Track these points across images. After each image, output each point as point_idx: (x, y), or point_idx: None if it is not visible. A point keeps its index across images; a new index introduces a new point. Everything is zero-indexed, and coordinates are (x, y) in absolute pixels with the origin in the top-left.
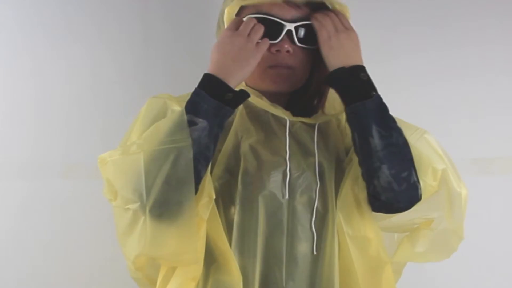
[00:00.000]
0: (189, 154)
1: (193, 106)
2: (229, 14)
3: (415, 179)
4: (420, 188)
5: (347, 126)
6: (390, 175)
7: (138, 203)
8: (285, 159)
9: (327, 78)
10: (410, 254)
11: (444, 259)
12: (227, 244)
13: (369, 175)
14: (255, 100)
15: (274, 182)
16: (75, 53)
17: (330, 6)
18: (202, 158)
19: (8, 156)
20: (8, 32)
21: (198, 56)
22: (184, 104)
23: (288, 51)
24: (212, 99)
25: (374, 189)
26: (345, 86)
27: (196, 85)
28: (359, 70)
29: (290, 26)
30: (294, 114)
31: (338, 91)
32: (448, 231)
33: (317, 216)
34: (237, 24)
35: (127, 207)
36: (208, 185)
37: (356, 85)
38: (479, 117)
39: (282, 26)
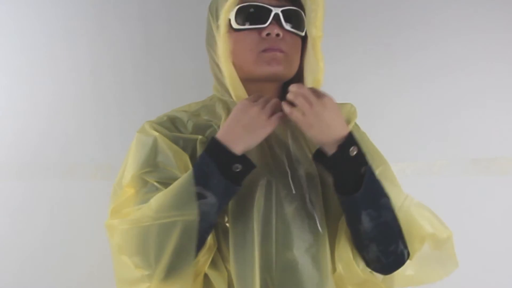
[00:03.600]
0: (195, 227)
1: (203, 178)
2: (226, 14)
3: (402, 247)
4: (408, 253)
5: None
6: (378, 251)
7: (147, 272)
8: (272, 169)
9: (314, 156)
10: (402, 278)
11: (436, 281)
12: None
13: (359, 248)
14: None
15: (263, 193)
16: (75, 54)
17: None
18: (209, 229)
19: (8, 156)
20: (7, 32)
21: (198, 57)
22: (173, 130)
23: (278, 35)
24: (222, 178)
25: (363, 258)
26: (333, 170)
27: (195, 86)
28: (347, 145)
29: (277, 10)
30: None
31: (327, 170)
32: (431, 257)
33: (306, 223)
34: (257, 97)
35: (136, 270)
36: (210, 237)
37: (344, 169)
38: (479, 117)
39: (269, 11)
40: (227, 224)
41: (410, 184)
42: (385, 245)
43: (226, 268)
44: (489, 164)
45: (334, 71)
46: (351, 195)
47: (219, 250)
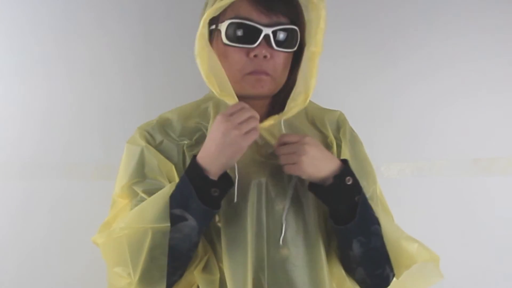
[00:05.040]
0: (166, 236)
1: (183, 201)
2: (205, 21)
3: (388, 271)
4: (392, 276)
5: (339, 152)
6: (365, 274)
7: (128, 281)
8: (263, 168)
9: (310, 188)
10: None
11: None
12: None
13: (346, 270)
14: (229, 102)
15: (255, 192)
16: (75, 53)
17: (304, 4)
18: (194, 247)
19: (8, 156)
20: (7, 31)
21: None
22: (161, 135)
23: (265, 56)
24: (200, 203)
25: (350, 279)
26: (329, 200)
27: (195, 86)
28: (342, 175)
29: (268, 31)
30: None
31: (322, 201)
32: (416, 270)
33: (298, 221)
34: (235, 109)
35: (121, 279)
36: (200, 246)
37: (340, 198)
38: (479, 117)
39: (259, 31)
40: (219, 224)
41: (410, 184)
42: (372, 269)
43: (219, 268)
44: (489, 164)
45: (334, 72)
46: (345, 224)
47: (213, 250)
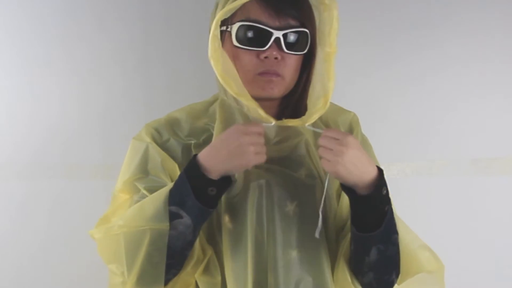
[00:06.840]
0: (165, 237)
1: (179, 198)
2: (217, 23)
3: (394, 277)
4: (396, 281)
5: None
6: (373, 278)
7: (122, 279)
8: (266, 168)
9: (344, 189)
10: None
11: None
12: None
13: (355, 272)
14: (246, 102)
15: (262, 193)
16: (75, 53)
17: (315, 4)
18: (189, 245)
19: (8, 156)
20: (8, 32)
21: (198, 56)
22: (168, 133)
23: (276, 58)
24: (196, 201)
25: (355, 282)
26: (364, 209)
27: (196, 87)
28: (380, 186)
29: (278, 34)
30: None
31: (355, 207)
32: (418, 278)
33: (301, 224)
34: (257, 129)
35: (116, 276)
36: (198, 247)
37: (373, 208)
38: (479, 117)
39: (270, 34)
40: (228, 224)
41: (410, 184)
42: (381, 275)
43: (221, 269)
44: (489, 164)
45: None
46: (369, 232)
47: (216, 250)
